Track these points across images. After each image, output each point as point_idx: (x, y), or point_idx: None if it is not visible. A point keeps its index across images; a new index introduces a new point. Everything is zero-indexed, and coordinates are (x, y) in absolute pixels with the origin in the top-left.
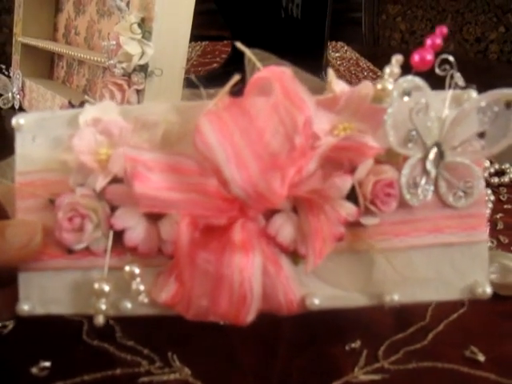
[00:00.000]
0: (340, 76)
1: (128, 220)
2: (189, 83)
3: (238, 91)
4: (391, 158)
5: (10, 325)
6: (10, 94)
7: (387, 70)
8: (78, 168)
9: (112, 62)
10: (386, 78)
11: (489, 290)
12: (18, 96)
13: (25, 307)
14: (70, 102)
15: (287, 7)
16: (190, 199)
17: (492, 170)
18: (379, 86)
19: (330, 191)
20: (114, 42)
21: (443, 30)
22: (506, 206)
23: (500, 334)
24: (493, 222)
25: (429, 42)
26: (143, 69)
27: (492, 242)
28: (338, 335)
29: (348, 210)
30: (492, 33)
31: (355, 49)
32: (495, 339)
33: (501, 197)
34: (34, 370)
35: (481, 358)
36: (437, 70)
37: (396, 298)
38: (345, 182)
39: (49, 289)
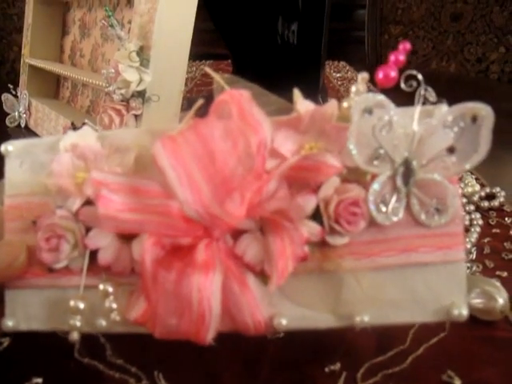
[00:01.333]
0: (339, 96)
1: (101, 240)
2: (190, 103)
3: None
4: (359, 176)
5: (6, 342)
6: (16, 113)
7: (353, 88)
8: (58, 191)
9: (111, 88)
10: (352, 96)
11: (465, 312)
12: (25, 115)
13: (9, 323)
14: (72, 124)
15: (283, 34)
16: (153, 220)
17: (482, 194)
18: (345, 105)
19: (293, 211)
20: (113, 70)
21: (406, 45)
22: (494, 230)
23: (479, 359)
24: (480, 246)
25: (392, 58)
26: (141, 95)
27: (478, 267)
28: (319, 357)
29: (311, 229)
30: (493, 53)
31: (357, 69)
32: (474, 364)
33: (490, 221)
34: None
35: (457, 382)
36: (402, 86)
37: (366, 319)
38: (308, 202)
39: (31, 306)
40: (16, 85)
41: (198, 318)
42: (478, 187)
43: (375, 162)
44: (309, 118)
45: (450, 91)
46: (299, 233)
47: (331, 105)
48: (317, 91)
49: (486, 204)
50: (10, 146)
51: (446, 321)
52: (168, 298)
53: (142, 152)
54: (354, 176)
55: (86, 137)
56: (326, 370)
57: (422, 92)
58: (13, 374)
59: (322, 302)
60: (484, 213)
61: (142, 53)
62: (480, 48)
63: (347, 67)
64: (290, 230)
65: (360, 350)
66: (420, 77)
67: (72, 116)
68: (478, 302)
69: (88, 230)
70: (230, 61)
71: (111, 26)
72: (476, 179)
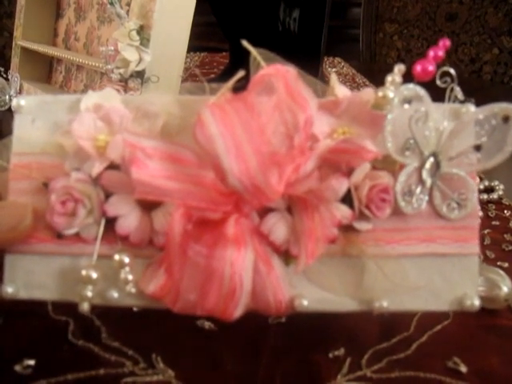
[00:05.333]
0: None
1: (121, 208)
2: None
3: (240, 88)
4: (388, 165)
5: None
6: (7, 97)
7: (389, 78)
8: (75, 153)
9: (110, 67)
10: (387, 85)
11: (477, 303)
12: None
13: (9, 290)
14: None
15: (284, 21)
16: (186, 189)
17: (481, 187)
18: (380, 94)
19: (326, 192)
20: (113, 48)
21: (446, 42)
22: (493, 223)
23: (483, 346)
24: (480, 238)
25: (431, 53)
26: (140, 75)
27: (479, 257)
28: (323, 343)
29: (343, 212)
30: (486, 54)
31: (352, 65)
32: (478, 351)
33: (489, 213)
34: (18, 368)
35: (463, 369)
36: (438, 82)
37: (385, 304)
38: (341, 185)
39: (35, 273)
40: (6, 69)
41: (227, 294)
42: (477, 180)
43: (407, 153)
44: (347, 103)
45: (444, 90)
46: (331, 214)
47: (367, 92)
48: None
49: (485, 197)
50: (22, 101)
51: (459, 311)
52: (195, 271)
53: (170, 120)
54: (383, 164)
55: (109, 98)
56: (330, 355)
57: (455, 89)
58: (3, 356)
59: (342, 286)
60: (483, 205)
61: (142, 32)
62: (474, 48)
63: (342, 63)
64: (322, 211)
65: (364, 336)
66: (454, 74)
67: None
68: (482, 289)
69: (107, 195)
70: (224, 53)
71: (111, 3)
72: None
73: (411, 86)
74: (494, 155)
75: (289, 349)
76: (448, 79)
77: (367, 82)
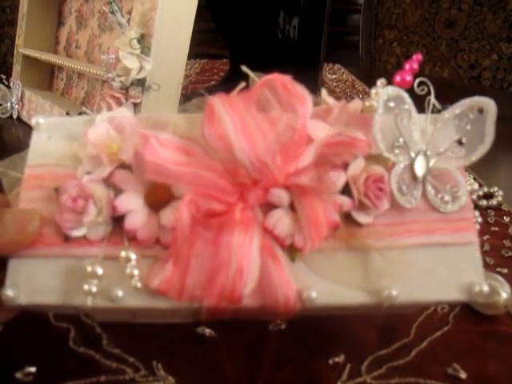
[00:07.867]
0: (336, 98)
1: (131, 204)
2: (186, 99)
3: None
4: (381, 162)
5: None
6: (8, 104)
7: (373, 90)
8: (89, 159)
9: (111, 75)
10: (372, 97)
11: (486, 288)
12: (17, 106)
13: (9, 293)
14: (67, 114)
15: (284, 28)
16: (195, 174)
17: (480, 193)
18: (367, 104)
19: (326, 185)
20: (114, 56)
21: (419, 56)
22: (493, 229)
23: (482, 352)
24: (480, 244)
25: (407, 66)
26: (141, 83)
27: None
28: (322, 349)
29: (343, 201)
30: (485, 60)
31: (352, 71)
32: (477, 358)
33: (488, 219)
34: (19, 375)
35: (462, 375)
36: (416, 90)
37: (394, 292)
38: (339, 177)
39: (37, 277)
40: (7, 77)
41: (235, 274)
42: (476, 186)
43: (396, 151)
44: (337, 110)
45: (444, 96)
46: (332, 200)
47: (355, 103)
48: (316, 87)
49: (484, 203)
50: (41, 119)
51: (469, 300)
52: (202, 256)
53: (177, 132)
54: (376, 162)
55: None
56: (330, 361)
57: (432, 100)
58: (4, 363)
59: (349, 278)
60: (482, 211)
61: (143, 40)
62: (473, 55)
63: (342, 69)
64: (323, 197)
65: (364, 342)
66: (430, 84)
67: (67, 107)
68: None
69: (117, 195)
70: (224, 60)
71: (112, 12)
72: (474, 179)
73: (390, 87)
74: (476, 147)
75: (289, 355)
76: (425, 88)
77: (367, 89)
